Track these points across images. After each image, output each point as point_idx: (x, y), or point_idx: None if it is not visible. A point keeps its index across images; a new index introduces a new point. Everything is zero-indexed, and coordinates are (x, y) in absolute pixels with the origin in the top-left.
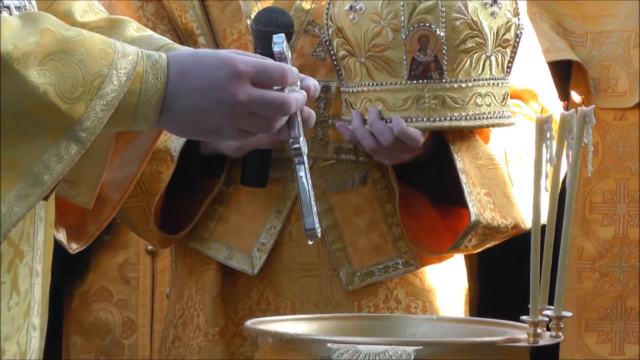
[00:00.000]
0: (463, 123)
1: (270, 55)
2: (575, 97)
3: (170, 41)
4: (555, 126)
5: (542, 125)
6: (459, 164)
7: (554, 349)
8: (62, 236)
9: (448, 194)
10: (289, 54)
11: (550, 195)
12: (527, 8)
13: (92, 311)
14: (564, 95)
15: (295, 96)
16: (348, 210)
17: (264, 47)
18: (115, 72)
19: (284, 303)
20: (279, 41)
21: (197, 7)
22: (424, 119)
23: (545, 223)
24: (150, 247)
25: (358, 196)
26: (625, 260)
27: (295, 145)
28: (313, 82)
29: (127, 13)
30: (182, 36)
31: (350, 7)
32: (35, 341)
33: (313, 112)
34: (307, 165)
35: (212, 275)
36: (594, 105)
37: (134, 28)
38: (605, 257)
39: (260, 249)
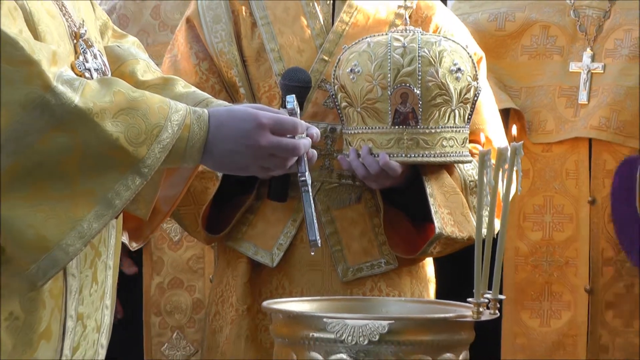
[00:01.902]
0: (432, 159)
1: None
2: (514, 130)
3: (209, 96)
4: (493, 157)
5: (484, 157)
6: (428, 190)
7: (497, 324)
8: (125, 238)
9: (420, 212)
10: (298, 110)
11: (490, 209)
12: (485, 73)
13: (167, 296)
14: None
15: (303, 142)
16: (345, 221)
17: (286, 92)
18: (169, 123)
19: (296, 289)
20: (291, 101)
21: (239, 65)
22: (403, 155)
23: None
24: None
25: (353, 211)
26: (550, 256)
27: (302, 178)
28: (316, 131)
29: (188, 68)
30: (228, 87)
31: (351, 70)
32: (107, 318)
33: (315, 153)
34: (310, 193)
35: (243, 266)
36: (522, 142)
37: (181, 85)
38: (535, 254)
39: (279, 247)
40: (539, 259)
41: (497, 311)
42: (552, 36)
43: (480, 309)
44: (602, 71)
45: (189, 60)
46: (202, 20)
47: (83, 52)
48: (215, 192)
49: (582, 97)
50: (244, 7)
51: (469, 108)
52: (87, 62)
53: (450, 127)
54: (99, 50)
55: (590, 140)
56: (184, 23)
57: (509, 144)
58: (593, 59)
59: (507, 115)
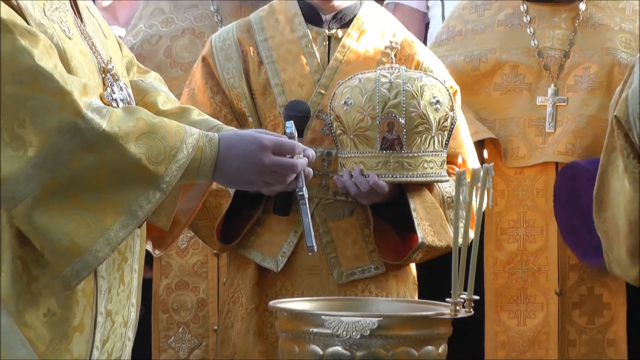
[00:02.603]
0: (415, 179)
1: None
2: (485, 154)
3: (220, 122)
4: (468, 177)
5: (460, 176)
6: (412, 205)
7: (480, 324)
8: (149, 245)
9: (404, 224)
10: (296, 134)
11: (465, 221)
12: (460, 104)
13: (174, 296)
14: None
15: (301, 161)
16: (340, 232)
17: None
18: (185, 145)
19: (297, 291)
20: (290, 126)
21: (248, 98)
22: (390, 176)
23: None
24: (215, 252)
25: (347, 223)
26: (524, 264)
27: (300, 193)
28: (311, 152)
29: (204, 100)
30: (238, 116)
31: (345, 102)
32: (133, 314)
33: (311, 171)
34: (307, 205)
35: (252, 271)
36: (493, 163)
37: (196, 113)
38: (511, 262)
39: (282, 255)
40: (515, 267)
41: (471, 309)
42: (520, 74)
43: (457, 308)
44: (565, 104)
45: (205, 93)
46: (216, 59)
47: (110, 84)
48: (227, 207)
49: (549, 127)
50: (251, 48)
51: (446, 135)
52: (114, 93)
53: (431, 151)
54: (124, 83)
55: (557, 163)
56: (200, 61)
57: (482, 166)
58: (557, 93)
59: (482, 143)
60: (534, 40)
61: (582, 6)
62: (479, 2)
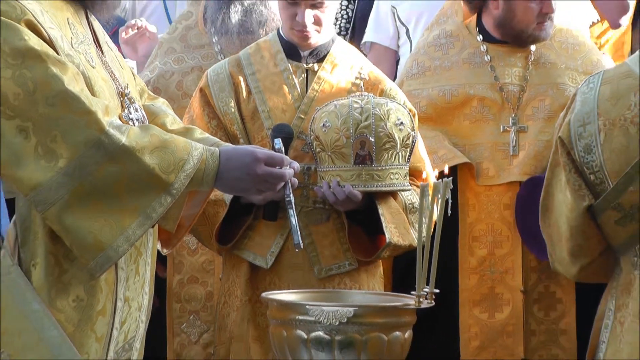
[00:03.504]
0: (383, 189)
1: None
2: (446, 169)
3: (218, 140)
4: (430, 189)
5: (424, 189)
6: (380, 211)
7: (456, 318)
8: (159, 245)
9: (374, 227)
10: (283, 149)
11: (427, 226)
12: (436, 133)
13: (187, 289)
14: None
15: (288, 171)
16: (319, 234)
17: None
18: (191, 158)
19: (284, 284)
20: (277, 142)
21: (239, 122)
22: (362, 186)
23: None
24: None
25: (325, 227)
26: (493, 267)
27: (287, 199)
28: (296, 165)
29: (201, 125)
30: (231, 138)
31: (323, 125)
32: (146, 300)
33: (297, 180)
34: (294, 210)
35: (245, 268)
36: (451, 177)
37: (198, 132)
38: (482, 265)
39: (271, 254)
40: (485, 269)
41: (433, 301)
42: (486, 106)
43: (420, 299)
44: (525, 131)
45: (202, 119)
46: (212, 90)
47: (127, 106)
48: (224, 215)
49: (513, 151)
50: (241, 80)
51: (408, 151)
52: (130, 113)
53: (396, 165)
54: (139, 106)
55: (521, 182)
56: (198, 92)
57: (442, 180)
58: (517, 122)
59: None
60: (495, 77)
61: (532, 47)
62: (442, 40)
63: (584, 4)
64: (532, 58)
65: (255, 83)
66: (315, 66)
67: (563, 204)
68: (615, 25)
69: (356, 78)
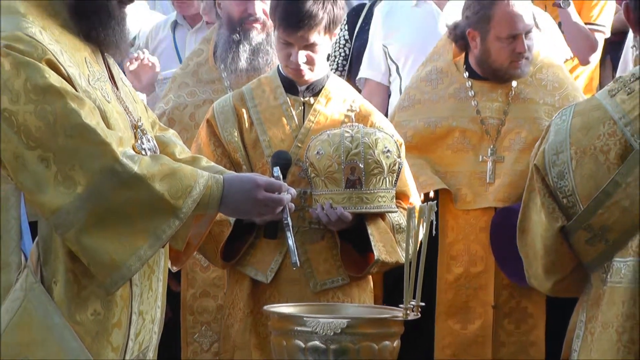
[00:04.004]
0: (372, 210)
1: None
2: (432, 193)
3: (223, 168)
4: (416, 212)
5: (410, 211)
6: (369, 230)
7: (432, 328)
8: (169, 262)
9: (364, 245)
10: (281, 176)
11: (413, 246)
12: (420, 161)
13: (199, 302)
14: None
15: (286, 197)
16: (315, 252)
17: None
18: (197, 184)
19: (282, 298)
20: (276, 171)
21: (242, 150)
22: (352, 208)
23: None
24: None
25: (320, 246)
26: (468, 283)
27: (285, 222)
28: (293, 191)
29: (208, 153)
30: (234, 165)
31: (317, 152)
32: (158, 314)
33: (293, 205)
34: (291, 232)
35: (247, 283)
36: (436, 201)
37: (204, 161)
38: (458, 281)
39: (271, 270)
40: (461, 285)
41: (419, 313)
42: (467, 138)
43: (408, 312)
44: (502, 161)
45: (209, 147)
46: (217, 121)
47: (140, 137)
48: (228, 234)
49: (490, 179)
50: (244, 111)
51: (395, 176)
52: (143, 144)
53: (383, 189)
54: (151, 137)
55: (495, 207)
56: (205, 123)
57: (427, 204)
58: (495, 152)
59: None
60: (477, 110)
61: (514, 84)
62: (433, 76)
63: (559, 42)
64: (513, 93)
65: (257, 115)
66: (312, 99)
67: (538, 225)
68: (584, 62)
69: (348, 110)
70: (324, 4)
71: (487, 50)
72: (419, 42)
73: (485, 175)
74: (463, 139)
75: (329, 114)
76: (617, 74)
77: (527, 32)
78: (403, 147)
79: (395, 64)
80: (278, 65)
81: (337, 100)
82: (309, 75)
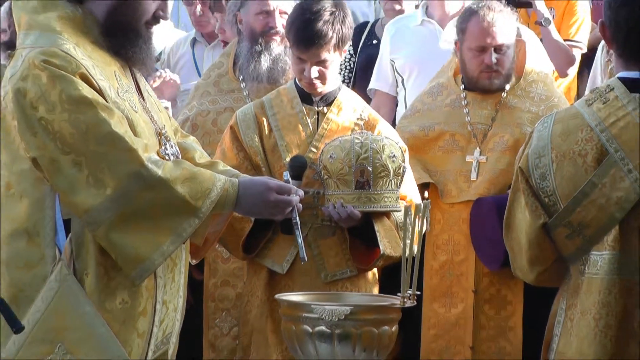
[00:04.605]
0: (378, 209)
1: (295, 173)
2: (426, 194)
3: (238, 172)
4: (413, 209)
5: (407, 209)
6: (376, 227)
7: (419, 311)
8: (189, 256)
9: (371, 241)
10: (290, 180)
11: (410, 240)
12: (414, 160)
13: (220, 290)
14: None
15: (295, 198)
16: (326, 247)
17: (292, 170)
18: (215, 187)
19: (296, 287)
20: (286, 175)
21: (262, 154)
22: (361, 207)
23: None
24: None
25: (331, 241)
26: (451, 270)
27: (294, 221)
28: (301, 192)
29: (231, 156)
30: (255, 167)
31: (330, 157)
32: (180, 303)
33: (301, 206)
34: (300, 230)
35: (265, 273)
36: (430, 200)
37: (221, 165)
38: (442, 268)
39: (286, 262)
40: (445, 272)
41: (415, 301)
42: (456, 140)
43: (405, 300)
44: (485, 161)
45: (232, 151)
46: (240, 127)
47: (164, 144)
48: (249, 230)
49: (473, 176)
50: (264, 119)
51: (399, 179)
52: (167, 149)
53: (389, 190)
54: (174, 143)
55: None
56: (229, 129)
57: (422, 202)
58: (481, 153)
59: (427, 185)
60: (468, 117)
61: (503, 94)
62: (435, 90)
63: (541, 56)
64: (501, 103)
65: (276, 122)
66: (325, 109)
67: (523, 222)
68: (563, 74)
69: (358, 119)
70: (333, 24)
71: (463, 60)
72: (422, 57)
73: (469, 174)
74: (453, 142)
75: (341, 122)
76: (588, 86)
77: (498, 47)
78: (407, 152)
79: (401, 76)
80: (295, 78)
81: (347, 110)
82: (321, 88)
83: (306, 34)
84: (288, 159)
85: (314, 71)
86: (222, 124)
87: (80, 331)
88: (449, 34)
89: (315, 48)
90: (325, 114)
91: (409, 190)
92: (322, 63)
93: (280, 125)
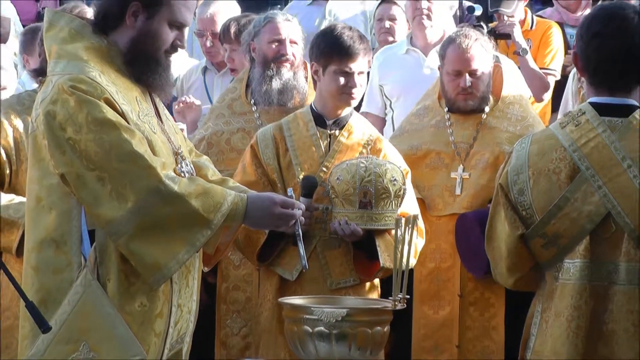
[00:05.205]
0: (380, 227)
1: (307, 191)
2: (417, 210)
3: (246, 188)
4: (403, 222)
5: (398, 222)
6: (377, 243)
7: (410, 313)
8: (202, 264)
9: (372, 254)
10: (294, 195)
11: (400, 252)
12: (410, 180)
13: (231, 294)
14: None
15: (298, 212)
16: (332, 258)
17: (303, 189)
18: (226, 202)
19: (305, 293)
20: (290, 191)
21: (278, 171)
22: (364, 225)
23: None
24: (257, 268)
25: (337, 252)
26: (438, 276)
27: (297, 233)
28: (302, 207)
29: (250, 172)
30: (271, 183)
31: (337, 178)
32: (194, 306)
33: (304, 219)
34: (302, 242)
35: (276, 280)
36: (419, 214)
37: (231, 182)
38: (431, 275)
39: (296, 270)
40: (433, 277)
41: (405, 304)
42: (442, 158)
43: (396, 303)
44: (468, 177)
45: (251, 167)
46: (259, 147)
47: (180, 162)
48: (264, 241)
49: (457, 192)
50: (281, 140)
51: (399, 200)
52: (182, 167)
53: (390, 210)
54: (189, 161)
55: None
56: (249, 147)
57: (411, 216)
58: (464, 170)
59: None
60: (452, 137)
61: (484, 116)
62: (421, 112)
63: (519, 83)
64: (482, 123)
65: (291, 143)
66: (337, 132)
67: (503, 233)
68: (539, 99)
69: (365, 143)
70: (360, 35)
71: (442, 82)
72: (408, 82)
73: (453, 189)
74: (438, 159)
75: (350, 144)
76: (560, 110)
77: (473, 71)
78: (409, 175)
79: (389, 99)
80: (311, 103)
81: (357, 134)
82: (356, 101)
83: (347, 43)
84: (301, 177)
85: (359, 80)
86: (235, 143)
87: (102, 331)
88: (433, 61)
89: (360, 53)
90: (337, 137)
91: (409, 207)
92: (361, 73)
93: (296, 146)
